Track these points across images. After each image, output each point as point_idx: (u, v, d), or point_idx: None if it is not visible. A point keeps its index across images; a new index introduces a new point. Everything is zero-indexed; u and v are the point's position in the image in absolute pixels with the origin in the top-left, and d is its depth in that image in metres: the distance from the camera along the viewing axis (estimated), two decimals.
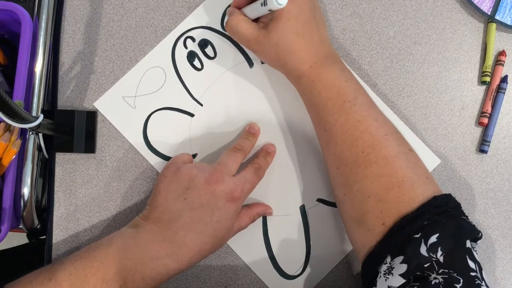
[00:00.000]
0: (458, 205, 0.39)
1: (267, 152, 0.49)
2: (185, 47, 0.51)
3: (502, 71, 0.52)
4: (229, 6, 0.50)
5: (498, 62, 0.52)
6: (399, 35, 0.52)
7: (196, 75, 0.51)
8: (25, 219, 0.48)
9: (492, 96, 0.51)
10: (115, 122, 0.50)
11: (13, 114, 0.35)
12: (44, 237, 0.50)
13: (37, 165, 0.48)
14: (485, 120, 0.51)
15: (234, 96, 0.51)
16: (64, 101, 0.50)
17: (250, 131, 0.49)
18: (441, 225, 0.36)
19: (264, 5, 0.40)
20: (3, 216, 0.46)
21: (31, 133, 0.48)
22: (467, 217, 0.39)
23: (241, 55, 0.51)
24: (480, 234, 0.38)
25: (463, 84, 0.52)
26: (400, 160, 0.40)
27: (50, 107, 0.50)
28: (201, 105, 0.51)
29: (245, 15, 0.45)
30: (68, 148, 0.49)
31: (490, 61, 0.51)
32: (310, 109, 0.45)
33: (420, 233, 0.36)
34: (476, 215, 0.51)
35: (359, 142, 0.40)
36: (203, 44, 0.51)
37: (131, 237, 0.42)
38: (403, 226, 0.37)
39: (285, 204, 0.50)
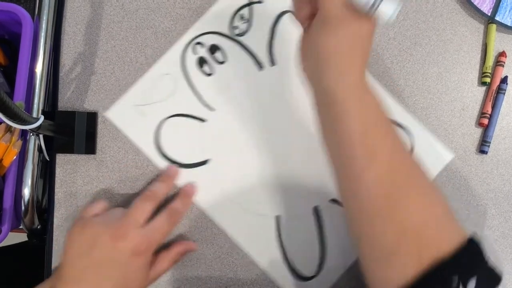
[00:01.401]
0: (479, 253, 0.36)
1: (185, 194, 0.48)
2: (195, 53, 0.51)
3: (502, 72, 0.52)
4: None
5: (498, 63, 0.52)
6: (399, 36, 0.52)
7: (206, 80, 0.51)
8: (25, 220, 0.48)
9: (492, 97, 0.51)
10: (127, 131, 0.50)
11: (13, 115, 0.35)
12: (45, 237, 0.50)
13: (37, 166, 0.48)
14: (485, 121, 0.51)
15: (245, 100, 0.51)
16: (65, 102, 0.51)
17: (167, 174, 0.49)
18: (478, 270, 0.34)
19: (370, 9, 0.33)
20: (3, 216, 0.46)
21: (31, 134, 0.48)
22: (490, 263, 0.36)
23: (250, 58, 0.51)
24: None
25: (463, 85, 0.52)
26: (438, 191, 0.37)
27: (50, 108, 0.50)
28: (213, 110, 0.51)
29: None
30: (69, 149, 0.49)
31: (490, 62, 0.51)
32: (352, 126, 0.37)
33: (457, 277, 0.33)
34: (476, 216, 0.51)
35: (404, 168, 0.37)
36: (213, 49, 0.51)
37: None
38: (441, 268, 0.33)
39: (298, 205, 0.50)
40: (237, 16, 0.52)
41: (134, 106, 0.50)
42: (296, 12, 0.39)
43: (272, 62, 0.51)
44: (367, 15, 0.34)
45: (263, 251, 0.49)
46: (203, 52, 0.51)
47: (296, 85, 0.48)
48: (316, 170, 0.50)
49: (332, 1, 0.34)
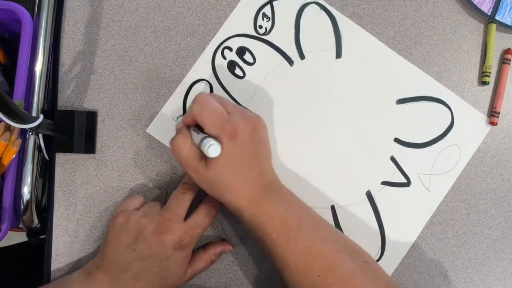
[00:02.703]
0: None
1: None
2: (224, 57, 0.51)
3: (508, 70, 0.51)
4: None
5: (504, 61, 0.51)
6: (399, 35, 0.52)
7: (239, 83, 0.51)
8: (25, 219, 0.48)
9: (502, 96, 0.51)
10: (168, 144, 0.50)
11: (13, 114, 0.35)
12: (44, 236, 0.50)
13: (37, 165, 0.48)
14: (496, 120, 0.51)
15: (280, 97, 0.51)
16: (64, 101, 0.50)
17: None
18: None
19: (198, 147, 0.41)
20: (3, 215, 0.46)
21: (31, 133, 0.48)
22: None
23: (279, 55, 0.51)
24: None
25: (463, 85, 0.52)
26: (357, 276, 0.40)
27: (50, 107, 0.50)
28: None
29: (191, 138, 0.43)
30: (68, 148, 0.49)
31: (490, 61, 0.51)
32: (257, 240, 0.44)
33: None
34: (476, 215, 0.51)
35: (314, 267, 0.40)
36: (241, 51, 0.51)
37: (82, 287, 0.43)
38: None
39: (351, 192, 0.50)
40: (260, 15, 0.52)
41: (173, 119, 0.50)
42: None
43: (302, 56, 0.51)
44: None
45: None
46: (232, 55, 0.51)
47: (328, 74, 0.49)
48: (362, 155, 0.51)
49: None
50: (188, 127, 0.45)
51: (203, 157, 0.42)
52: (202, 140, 0.40)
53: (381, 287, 0.40)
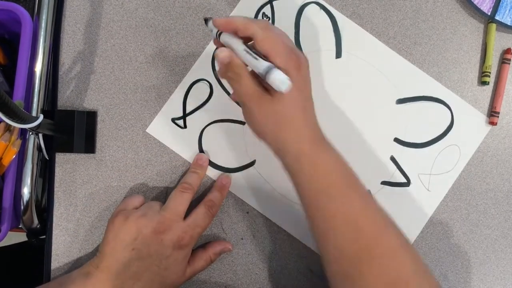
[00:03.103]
0: None
1: (221, 185, 0.49)
2: None
3: (508, 70, 0.51)
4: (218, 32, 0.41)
5: (504, 61, 0.51)
6: (399, 35, 0.52)
7: None
8: (25, 219, 0.48)
9: (502, 96, 0.51)
10: (170, 144, 0.50)
11: (13, 114, 0.35)
12: (44, 236, 0.50)
13: (37, 165, 0.48)
14: (496, 120, 0.51)
15: None
16: (64, 101, 0.50)
17: (198, 163, 0.49)
18: None
19: (263, 78, 0.36)
20: (3, 215, 0.46)
21: (31, 133, 0.48)
22: None
23: None
24: None
25: (463, 85, 0.52)
26: (402, 253, 0.38)
27: (50, 107, 0.50)
28: None
29: (244, 64, 0.38)
30: (68, 148, 0.49)
31: (490, 61, 0.51)
32: (306, 193, 0.40)
33: None
34: (476, 215, 0.51)
35: (362, 234, 0.38)
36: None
37: (81, 286, 0.43)
38: None
39: None
40: (260, 15, 0.52)
41: (172, 120, 0.50)
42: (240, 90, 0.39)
43: None
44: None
45: None
46: None
47: (328, 74, 0.49)
48: (362, 155, 0.51)
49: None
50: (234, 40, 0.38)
51: (264, 90, 0.38)
52: (268, 71, 0.35)
53: (420, 270, 0.38)
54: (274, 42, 0.37)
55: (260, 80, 0.38)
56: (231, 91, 0.50)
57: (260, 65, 0.36)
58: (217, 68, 0.44)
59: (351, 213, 0.38)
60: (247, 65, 0.38)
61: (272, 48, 0.37)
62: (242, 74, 0.37)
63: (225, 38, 0.40)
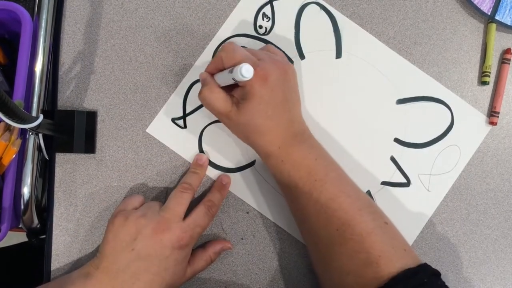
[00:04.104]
0: (434, 274, 0.39)
1: (221, 185, 0.49)
2: None
3: (508, 70, 0.51)
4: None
5: (504, 60, 0.51)
6: (399, 35, 0.52)
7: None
8: (25, 219, 0.48)
9: (502, 96, 0.51)
10: (170, 144, 0.50)
11: (13, 114, 0.35)
12: (44, 236, 0.50)
13: (37, 165, 0.48)
14: (495, 120, 0.51)
15: None
16: (64, 101, 0.50)
17: (197, 163, 0.49)
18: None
19: (230, 73, 0.40)
20: (3, 215, 0.46)
21: (31, 133, 0.48)
22: (444, 284, 0.39)
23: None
24: None
25: (463, 85, 0.52)
26: (376, 235, 0.40)
27: (50, 107, 0.50)
28: None
29: (218, 85, 0.43)
30: (68, 148, 0.49)
31: (490, 61, 0.51)
32: (281, 188, 0.45)
33: None
34: (476, 215, 0.51)
35: (333, 219, 0.41)
36: None
37: (81, 286, 0.43)
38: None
39: None
40: (260, 15, 0.52)
41: (172, 120, 0.50)
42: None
43: (302, 56, 0.51)
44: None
45: None
46: None
47: (328, 74, 0.50)
48: (362, 155, 0.51)
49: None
50: (211, 76, 0.45)
51: (234, 103, 0.43)
52: (232, 69, 0.39)
53: (398, 250, 0.40)
54: (236, 61, 0.41)
55: (230, 96, 0.43)
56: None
57: (225, 75, 0.41)
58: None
59: (322, 202, 0.41)
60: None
61: (238, 62, 0.41)
62: (213, 97, 0.43)
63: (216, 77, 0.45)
